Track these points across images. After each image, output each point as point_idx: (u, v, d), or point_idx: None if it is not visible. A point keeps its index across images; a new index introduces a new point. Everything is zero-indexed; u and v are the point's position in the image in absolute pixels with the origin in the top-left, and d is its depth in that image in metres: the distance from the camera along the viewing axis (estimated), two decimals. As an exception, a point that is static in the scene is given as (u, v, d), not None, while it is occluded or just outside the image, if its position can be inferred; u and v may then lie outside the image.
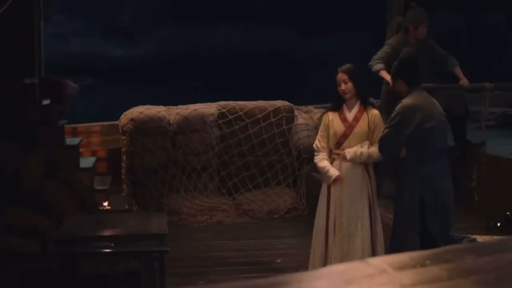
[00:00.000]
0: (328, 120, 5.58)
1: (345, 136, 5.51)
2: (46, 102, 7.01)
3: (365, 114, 5.53)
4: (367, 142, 5.50)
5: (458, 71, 7.40)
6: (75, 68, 21.13)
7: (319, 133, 5.67)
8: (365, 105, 5.57)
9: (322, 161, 5.54)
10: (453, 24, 22.07)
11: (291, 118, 9.25)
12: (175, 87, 19.13)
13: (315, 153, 5.67)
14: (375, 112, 5.58)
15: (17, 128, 6.20)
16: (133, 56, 24.03)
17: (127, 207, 8.46)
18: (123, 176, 8.84)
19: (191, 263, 6.72)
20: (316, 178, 7.68)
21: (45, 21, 8.38)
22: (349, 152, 5.44)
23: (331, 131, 5.54)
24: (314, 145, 5.69)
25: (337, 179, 5.44)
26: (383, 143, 5.30)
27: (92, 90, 20.05)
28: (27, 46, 7.04)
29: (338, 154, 5.52)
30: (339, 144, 5.53)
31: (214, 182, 9.04)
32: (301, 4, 22.34)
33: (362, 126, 5.51)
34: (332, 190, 5.50)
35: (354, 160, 5.45)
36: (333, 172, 5.45)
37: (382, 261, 1.83)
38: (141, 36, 25.31)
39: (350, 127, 5.51)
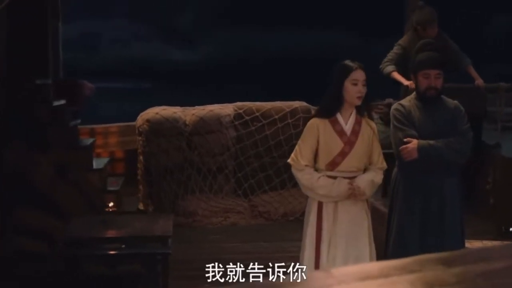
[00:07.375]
0: (318, 130, 4.40)
1: (343, 154, 4.34)
2: (58, 102, 7.02)
3: (364, 127, 4.42)
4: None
5: (472, 70, 7.21)
6: (136, 71, 21.32)
7: (302, 143, 4.46)
8: (361, 114, 4.47)
9: (320, 178, 4.29)
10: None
11: (308, 119, 9.14)
12: (233, 90, 19.26)
13: (299, 170, 4.38)
14: (373, 124, 4.51)
15: (27, 128, 6.22)
16: (193, 60, 24.09)
17: (142, 208, 8.47)
18: (139, 177, 8.83)
19: (199, 265, 6.65)
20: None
21: (64, 22, 8.44)
22: (362, 181, 4.30)
23: (322, 146, 4.38)
24: (291, 160, 4.45)
25: (351, 189, 4.26)
26: (469, 146, 4.54)
27: (152, 93, 20.09)
28: (39, 46, 7.05)
29: (333, 177, 4.31)
30: (334, 164, 4.34)
31: (230, 183, 8.99)
32: (360, 8, 22.16)
33: (363, 141, 4.39)
34: (325, 224, 4.35)
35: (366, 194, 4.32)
36: (343, 182, 4.28)
37: (345, 272, 1.77)
38: (200, 39, 25.41)
39: (349, 143, 4.35)
